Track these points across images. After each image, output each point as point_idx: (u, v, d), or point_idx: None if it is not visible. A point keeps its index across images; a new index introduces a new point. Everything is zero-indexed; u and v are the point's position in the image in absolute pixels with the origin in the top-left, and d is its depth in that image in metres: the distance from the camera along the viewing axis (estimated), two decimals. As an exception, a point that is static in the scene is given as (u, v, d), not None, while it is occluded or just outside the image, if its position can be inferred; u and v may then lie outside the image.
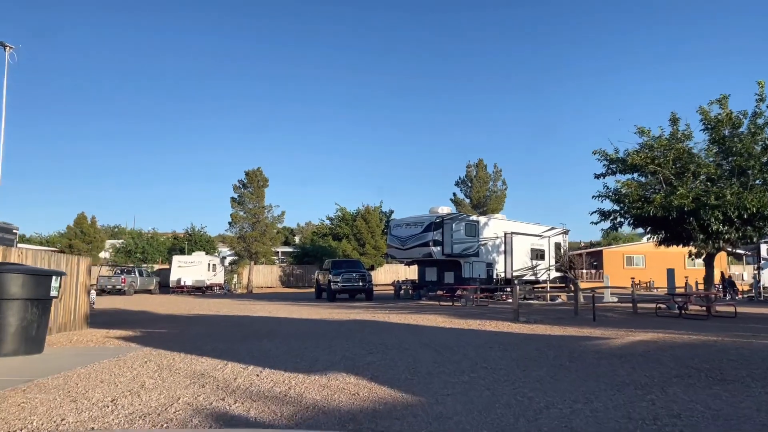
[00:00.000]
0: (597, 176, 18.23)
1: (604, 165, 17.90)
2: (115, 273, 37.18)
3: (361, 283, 26.48)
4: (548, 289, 28.15)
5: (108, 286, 35.61)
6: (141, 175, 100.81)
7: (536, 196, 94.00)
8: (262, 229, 42.84)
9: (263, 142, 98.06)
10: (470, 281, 24.71)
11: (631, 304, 17.30)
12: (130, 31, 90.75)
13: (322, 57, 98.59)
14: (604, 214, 17.13)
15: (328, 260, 30.04)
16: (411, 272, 52.02)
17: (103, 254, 47.08)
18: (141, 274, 37.82)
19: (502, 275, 26.54)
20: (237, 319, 16.32)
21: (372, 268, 29.70)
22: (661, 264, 46.25)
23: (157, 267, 45.36)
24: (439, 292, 26.77)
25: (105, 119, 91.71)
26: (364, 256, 43.06)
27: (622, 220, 16.82)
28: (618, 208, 17.10)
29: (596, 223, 17.30)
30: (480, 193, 48.40)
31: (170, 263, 40.65)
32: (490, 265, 26.00)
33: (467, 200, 48.63)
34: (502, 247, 26.72)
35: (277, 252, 63.13)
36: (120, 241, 47.38)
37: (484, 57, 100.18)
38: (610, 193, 17.40)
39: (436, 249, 23.84)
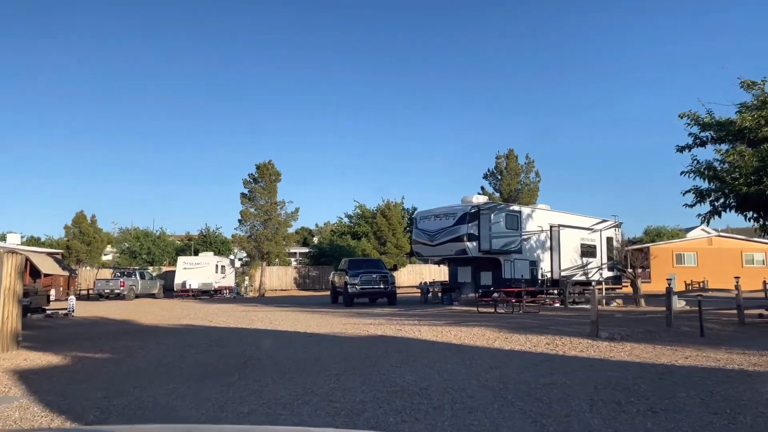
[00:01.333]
0: (681, 148, 14.25)
1: (691, 134, 13.93)
2: (114, 276, 34.04)
3: (382, 286, 22.76)
4: (597, 291, 24.15)
5: (106, 291, 32.48)
6: (160, 176, 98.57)
7: (571, 189, 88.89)
8: (274, 228, 39.38)
9: (282, 140, 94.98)
10: (511, 282, 20.82)
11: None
12: (147, 26, 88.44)
13: (339, 52, 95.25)
14: (702, 195, 13.10)
15: (344, 259, 26.37)
16: (437, 273, 48.22)
17: (107, 257, 44.17)
18: (143, 277, 34.61)
19: (548, 275, 22.57)
20: (225, 333, 12.73)
21: (395, 268, 25.94)
22: (715, 262, 41.76)
23: (164, 269, 42.26)
24: (473, 295, 22.97)
25: (124, 118, 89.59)
26: (385, 256, 39.33)
27: (727, 201, 12.80)
28: (716, 187, 13.07)
29: (691, 206, 13.28)
30: (511, 186, 44.29)
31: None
32: (534, 264, 22.06)
33: (497, 194, 44.56)
34: (548, 243, 22.75)
35: (295, 253, 59.83)
36: (125, 244, 44.31)
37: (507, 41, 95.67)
38: (704, 169, 13.40)
39: (472, 244, 20.00)
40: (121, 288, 32.29)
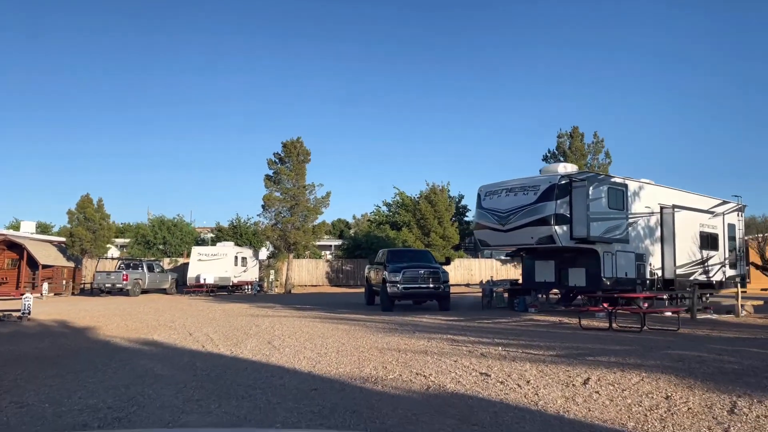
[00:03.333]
0: None
1: None
2: (118, 268, 29.54)
3: (432, 285, 17.25)
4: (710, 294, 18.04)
5: (107, 285, 27.96)
6: (194, 166, 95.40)
7: (647, 171, 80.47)
8: (302, 214, 34.22)
9: (317, 125, 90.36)
10: (613, 282, 15.02)
11: None
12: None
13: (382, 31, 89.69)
14: None
15: (382, 250, 20.94)
16: (489, 269, 42.22)
17: (112, 250, 39.91)
18: (151, 270, 30.00)
19: (658, 273, 16.60)
20: (178, 368, 7.45)
21: (447, 262, 20.28)
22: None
23: (181, 261, 37.76)
24: (553, 292, 17.28)
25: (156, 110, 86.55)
26: (430, 248, 33.69)
27: None
28: None
29: None
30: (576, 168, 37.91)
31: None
32: (641, 258, 16.11)
33: (561, 177, 38.30)
34: (658, 230, 16.76)
35: (329, 246, 54.84)
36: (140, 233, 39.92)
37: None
38: None
39: (561, 230, 14.25)
40: (124, 282, 27.72)
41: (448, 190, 39.14)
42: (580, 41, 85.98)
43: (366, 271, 22.28)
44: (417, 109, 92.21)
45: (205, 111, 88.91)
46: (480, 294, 19.84)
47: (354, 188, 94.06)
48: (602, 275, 14.97)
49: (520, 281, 18.12)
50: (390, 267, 17.73)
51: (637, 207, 16.03)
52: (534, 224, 14.47)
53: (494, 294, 18.58)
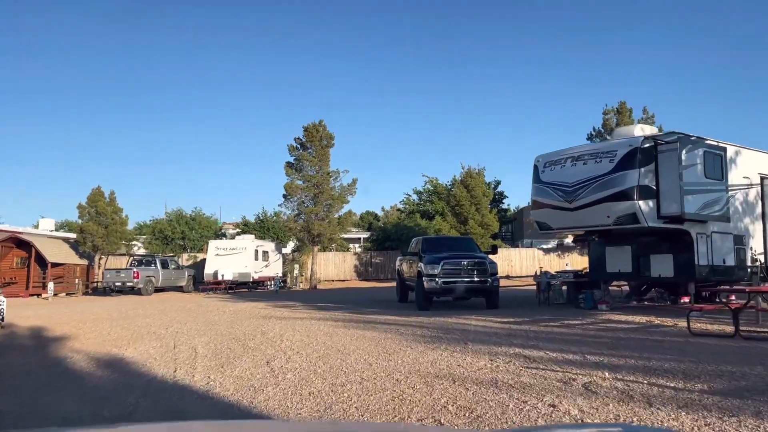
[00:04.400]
0: None
1: None
2: (129, 264, 27.39)
3: (477, 278, 14.33)
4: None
5: (116, 284, 25.82)
6: (222, 162, 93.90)
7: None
8: (326, 204, 31.57)
9: (345, 114, 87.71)
10: (708, 271, 11.89)
11: None
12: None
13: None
14: None
15: (416, 239, 18.09)
16: (529, 258, 38.86)
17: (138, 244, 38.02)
18: (165, 266, 27.77)
19: (760, 259, 13.34)
20: (111, 418, 4.76)
21: (494, 250, 17.25)
22: None
23: (201, 257, 35.57)
24: (622, 284, 14.31)
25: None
26: (467, 238, 30.69)
27: None
28: None
29: None
30: (627, 147, 34.29)
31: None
32: (740, 240, 12.88)
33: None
34: (758, 206, 13.49)
35: (358, 239, 52.26)
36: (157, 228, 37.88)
37: None
38: None
39: (647, 205, 11.16)
40: (135, 280, 25.53)
41: (484, 175, 35.91)
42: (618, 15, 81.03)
43: (397, 263, 19.47)
44: (443, 94, 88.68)
45: (229, 102, 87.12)
46: (532, 288, 16.85)
47: (382, 179, 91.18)
48: (696, 263, 11.82)
49: (584, 272, 15.04)
50: (426, 258, 14.88)
51: (735, 177, 12.80)
52: (611, 199, 11.39)
53: (551, 287, 15.53)
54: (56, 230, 39.66)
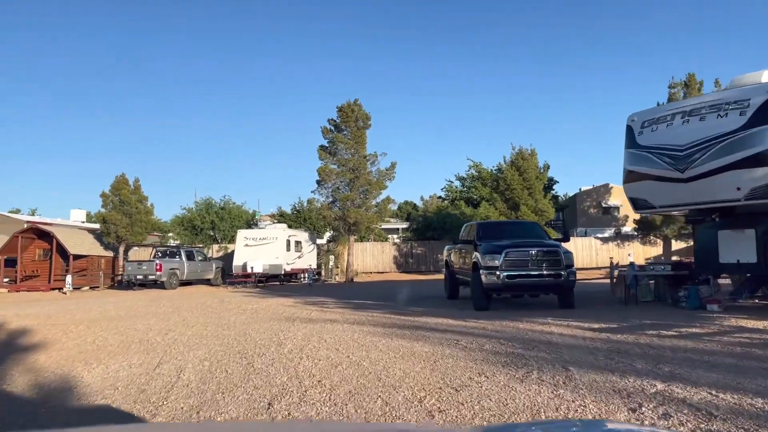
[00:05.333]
0: None
1: None
2: (153, 256, 25.55)
3: (550, 271, 11.54)
4: None
5: (138, 277, 23.98)
6: (260, 154, 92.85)
7: None
8: (363, 189, 29.06)
9: (387, 104, 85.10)
10: None
11: None
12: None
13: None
14: None
15: (469, 224, 15.40)
16: (588, 248, 35.44)
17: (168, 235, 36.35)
18: (191, 258, 25.86)
19: None
20: None
21: (566, 237, 14.34)
22: None
23: (231, 248, 33.67)
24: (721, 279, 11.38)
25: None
26: (518, 226, 27.69)
27: None
28: None
29: None
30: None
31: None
32: None
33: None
34: None
35: (397, 229, 49.72)
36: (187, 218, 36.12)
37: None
38: None
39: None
40: (158, 273, 23.63)
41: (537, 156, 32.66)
42: None
43: (445, 253, 16.78)
44: (487, 74, 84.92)
45: (263, 89, 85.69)
46: (600, 282, 13.93)
47: (421, 167, 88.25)
48: None
49: (685, 263, 12.06)
50: (484, 246, 12.17)
51: None
52: (743, 165, 8.43)
53: (638, 284, 12.58)
54: (87, 221, 38.50)
